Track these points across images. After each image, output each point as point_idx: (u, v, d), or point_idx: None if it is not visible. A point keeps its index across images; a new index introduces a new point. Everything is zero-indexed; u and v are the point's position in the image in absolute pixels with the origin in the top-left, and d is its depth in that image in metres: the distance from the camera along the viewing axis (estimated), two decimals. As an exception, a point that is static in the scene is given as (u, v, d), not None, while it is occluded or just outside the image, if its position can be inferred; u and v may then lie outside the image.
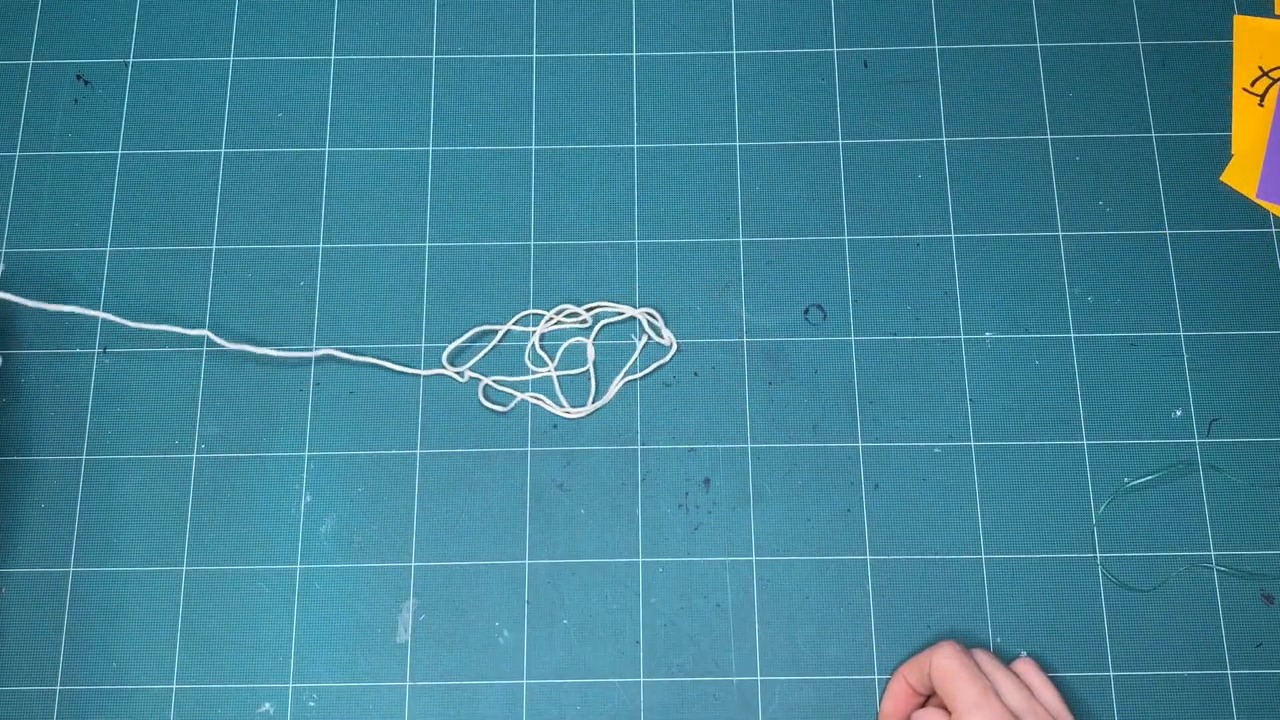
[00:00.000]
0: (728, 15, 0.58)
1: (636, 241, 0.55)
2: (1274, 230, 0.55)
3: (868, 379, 0.53)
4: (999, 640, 0.49)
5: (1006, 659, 0.49)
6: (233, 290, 0.54)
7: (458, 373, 0.52)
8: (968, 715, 0.43)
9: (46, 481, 0.52)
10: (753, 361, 0.53)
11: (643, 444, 0.52)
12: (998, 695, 0.44)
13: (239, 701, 0.49)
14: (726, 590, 0.50)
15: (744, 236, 0.55)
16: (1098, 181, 0.56)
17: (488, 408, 0.52)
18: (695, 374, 0.53)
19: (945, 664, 0.45)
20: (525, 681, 0.49)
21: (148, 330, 0.53)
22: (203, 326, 0.53)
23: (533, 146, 0.56)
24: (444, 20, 0.58)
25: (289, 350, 0.53)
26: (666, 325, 0.53)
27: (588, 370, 0.53)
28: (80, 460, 0.52)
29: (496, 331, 0.54)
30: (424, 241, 0.55)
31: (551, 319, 0.54)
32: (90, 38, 0.58)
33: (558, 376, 0.53)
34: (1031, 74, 0.57)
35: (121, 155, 0.56)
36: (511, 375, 0.53)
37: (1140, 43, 0.58)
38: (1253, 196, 0.55)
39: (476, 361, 0.53)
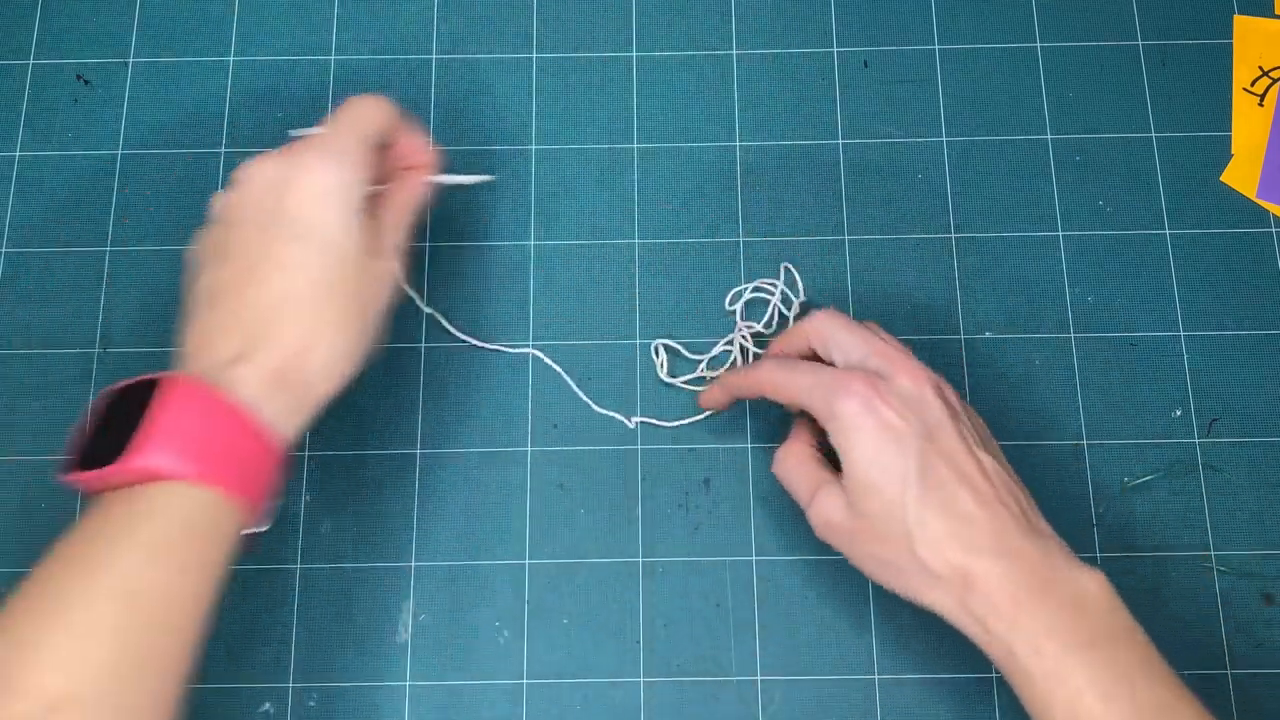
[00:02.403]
0: (728, 15, 0.58)
1: (637, 241, 0.55)
2: (1274, 230, 0.55)
3: (868, 379, 0.53)
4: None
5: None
6: (233, 290, 0.54)
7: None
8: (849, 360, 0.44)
9: (47, 481, 0.52)
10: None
11: (643, 444, 0.52)
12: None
13: (239, 701, 0.49)
14: (726, 590, 0.50)
15: (744, 236, 0.55)
16: (1098, 181, 0.56)
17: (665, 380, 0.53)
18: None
19: (822, 325, 0.46)
20: (525, 681, 0.49)
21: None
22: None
23: (533, 146, 0.56)
24: (444, 20, 0.58)
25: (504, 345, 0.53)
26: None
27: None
28: (80, 460, 0.52)
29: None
30: (425, 241, 0.55)
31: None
32: (90, 38, 0.58)
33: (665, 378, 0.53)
34: (1031, 74, 0.57)
35: (121, 155, 0.56)
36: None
37: (1140, 43, 0.58)
38: (1253, 196, 0.55)
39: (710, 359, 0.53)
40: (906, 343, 0.53)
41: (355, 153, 0.42)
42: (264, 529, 0.42)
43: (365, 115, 0.43)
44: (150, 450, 0.37)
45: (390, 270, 0.44)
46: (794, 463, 0.45)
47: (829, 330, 0.45)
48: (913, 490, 0.41)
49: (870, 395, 0.42)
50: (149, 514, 0.37)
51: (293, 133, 0.45)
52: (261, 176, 0.42)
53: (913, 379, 0.43)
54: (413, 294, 0.51)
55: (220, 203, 0.43)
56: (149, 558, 0.36)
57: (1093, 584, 0.41)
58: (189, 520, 0.37)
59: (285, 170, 0.41)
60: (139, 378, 0.39)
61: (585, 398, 0.53)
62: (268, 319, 0.40)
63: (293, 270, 0.40)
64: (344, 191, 0.41)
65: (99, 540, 0.37)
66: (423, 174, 0.47)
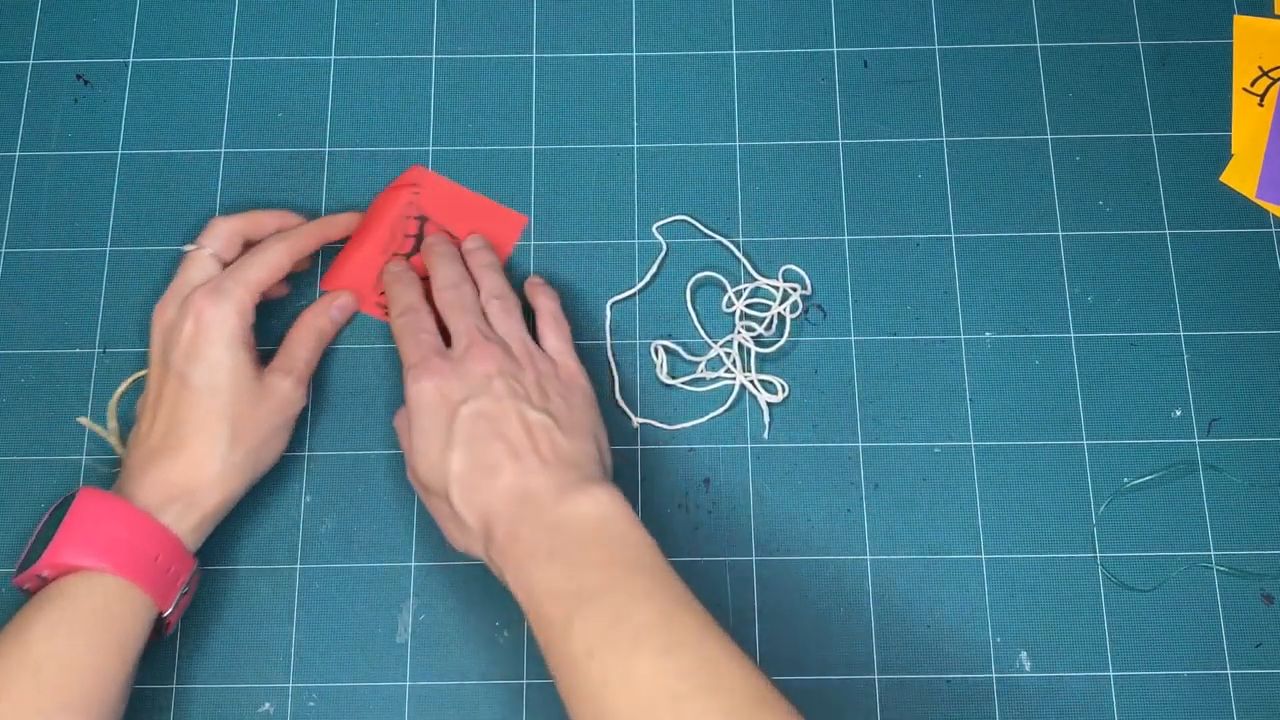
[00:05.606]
0: (728, 15, 0.58)
1: (636, 241, 0.55)
2: (1274, 230, 0.55)
3: (868, 379, 0.53)
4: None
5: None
6: (233, 290, 0.54)
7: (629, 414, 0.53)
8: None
9: (47, 481, 0.52)
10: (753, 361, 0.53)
11: (643, 444, 0.52)
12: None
13: (239, 701, 0.49)
14: (726, 590, 0.50)
15: (744, 236, 0.55)
16: (1098, 181, 0.56)
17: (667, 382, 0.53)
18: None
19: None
20: (525, 681, 0.49)
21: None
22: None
23: (533, 146, 0.56)
24: (444, 20, 0.58)
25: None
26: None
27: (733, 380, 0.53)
28: (80, 460, 0.52)
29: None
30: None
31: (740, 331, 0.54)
32: (90, 38, 0.58)
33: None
34: (1031, 74, 0.57)
35: (121, 155, 0.56)
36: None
37: (1140, 43, 0.58)
38: (1253, 196, 0.55)
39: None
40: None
41: (236, 292, 0.47)
42: (173, 613, 0.45)
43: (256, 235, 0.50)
44: (60, 548, 0.43)
45: (285, 390, 0.48)
46: (401, 422, 0.48)
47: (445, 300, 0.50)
48: (447, 449, 0.44)
49: (436, 380, 0.46)
50: (58, 597, 0.43)
51: (183, 248, 0.50)
52: (162, 321, 0.48)
53: (482, 363, 0.46)
54: (623, 404, 0.52)
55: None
56: (50, 633, 0.41)
57: (588, 504, 0.43)
58: (96, 603, 0.42)
59: (178, 316, 0.47)
60: (69, 493, 0.45)
61: (622, 402, 0.53)
62: (165, 441, 0.46)
63: (184, 405, 0.46)
64: (226, 330, 0.47)
65: (18, 619, 0.42)
66: (334, 300, 0.52)
